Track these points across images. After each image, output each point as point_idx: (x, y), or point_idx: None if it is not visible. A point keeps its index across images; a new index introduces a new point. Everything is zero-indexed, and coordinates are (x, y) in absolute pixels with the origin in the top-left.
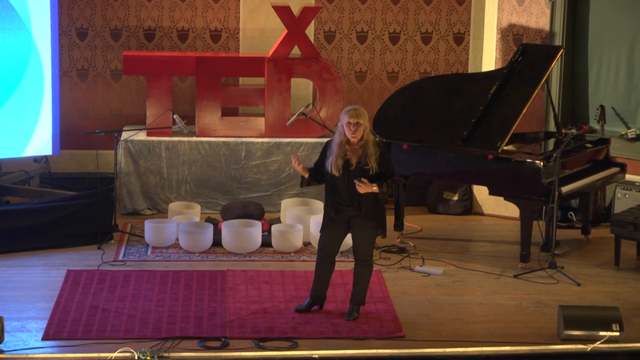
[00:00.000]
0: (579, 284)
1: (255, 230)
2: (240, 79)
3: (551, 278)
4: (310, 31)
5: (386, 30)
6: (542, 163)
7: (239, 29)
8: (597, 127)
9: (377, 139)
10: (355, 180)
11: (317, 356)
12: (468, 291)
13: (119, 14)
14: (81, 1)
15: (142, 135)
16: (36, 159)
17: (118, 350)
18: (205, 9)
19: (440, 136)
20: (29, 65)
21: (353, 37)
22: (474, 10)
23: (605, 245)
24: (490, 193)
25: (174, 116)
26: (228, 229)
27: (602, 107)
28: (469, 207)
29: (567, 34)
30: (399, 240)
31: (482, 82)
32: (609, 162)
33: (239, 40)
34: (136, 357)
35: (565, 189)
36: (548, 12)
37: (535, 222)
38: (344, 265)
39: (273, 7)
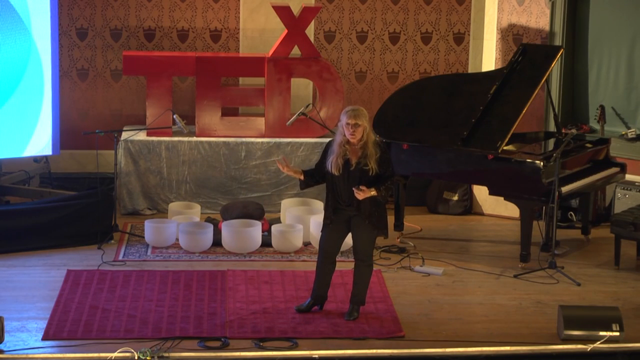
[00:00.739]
0: (579, 284)
1: (255, 230)
2: (240, 79)
3: (551, 278)
4: (310, 31)
5: (386, 30)
6: (542, 163)
7: (239, 29)
8: (597, 127)
9: (377, 139)
10: (353, 188)
11: (317, 356)
12: (468, 291)
13: (119, 14)
14: (81, 1)
15: (142, 135)
16: (36, 159)
17: (118, 350)
18: (205, 9)
19: (440, 136)
20: (29, 65)
21: (353, 37)
22: (474, 10)
23: (605, 245)
24: (490, 193)
25: (174, 116)
26: (228, 229)
27: (602, 107)
28: (469, 207)
29: (567, 34)
30: (399, 240)
31: (482, 82)
32: (609, 162)
33: (239, 40)
34: (136, 357)
35: (565, 189)
36: (548, 12)
37: (535, 222)
38: (344, 265)
39: (273, 7)
